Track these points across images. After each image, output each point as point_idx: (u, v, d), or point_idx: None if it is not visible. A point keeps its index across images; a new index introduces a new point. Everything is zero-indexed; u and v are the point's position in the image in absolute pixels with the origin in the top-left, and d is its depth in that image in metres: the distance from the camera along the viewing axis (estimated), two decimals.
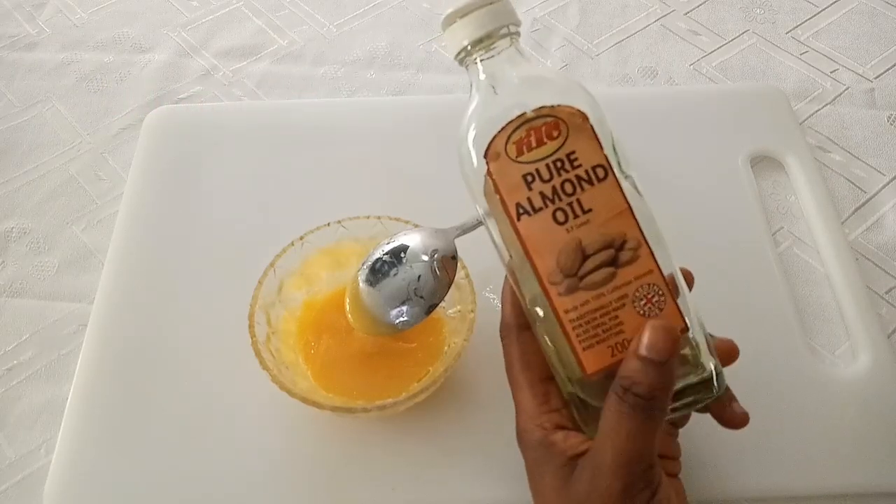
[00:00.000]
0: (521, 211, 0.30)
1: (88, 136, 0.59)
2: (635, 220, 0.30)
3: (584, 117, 0.30)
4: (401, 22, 0.68)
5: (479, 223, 0.42)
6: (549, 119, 0.30)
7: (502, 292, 0.35)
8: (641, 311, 0.30)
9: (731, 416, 0.33)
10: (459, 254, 0.41)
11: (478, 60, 0.32)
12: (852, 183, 0.54)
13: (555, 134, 0.30)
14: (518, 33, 0.32)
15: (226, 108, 0.60)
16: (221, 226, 0.50)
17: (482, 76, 0.32)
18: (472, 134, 0.31)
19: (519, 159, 0.30)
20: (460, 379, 0.43)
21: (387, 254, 0.41)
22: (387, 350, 0.42)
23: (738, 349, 0.34)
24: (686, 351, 0.31)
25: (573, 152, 0.30)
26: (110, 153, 0.57)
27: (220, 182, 0.53)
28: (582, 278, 0.30)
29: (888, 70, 0.62)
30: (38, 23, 0.68)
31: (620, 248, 0.30)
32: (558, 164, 0.30)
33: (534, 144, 0.30)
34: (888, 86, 0.61)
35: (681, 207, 0.50)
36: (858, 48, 0.64)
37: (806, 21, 0.66)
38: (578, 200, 0.30)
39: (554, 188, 0.30)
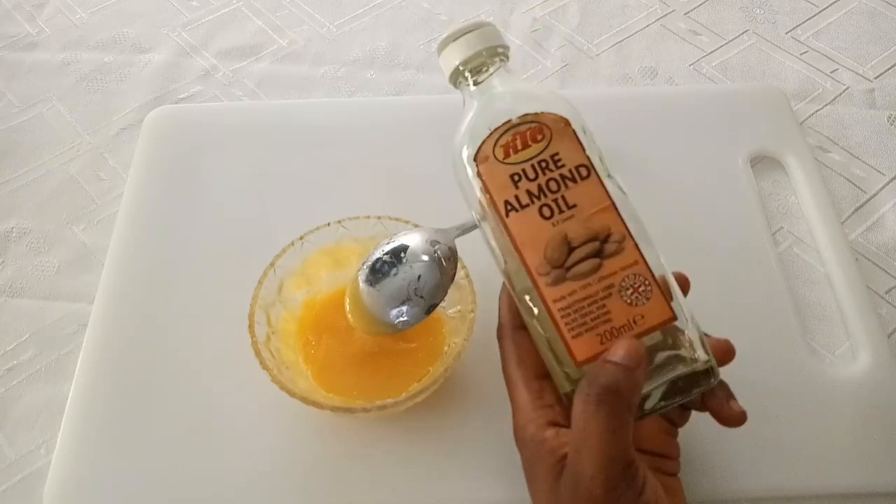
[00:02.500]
0: (509, 207, 0.32)
1: (88, 136, 0.59)
2: (619, 215, 0.32)
3: (567, 122, 0.33)
4: (401, 22, 0.68)
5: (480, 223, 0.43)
6: (533, 124, 0.32)
7: (499, 296, 0.36)
8: (628, 301, 0.31)
9: (728, 413, 0.33)
10: (459, 254, 0.41)
11: (469, 78, 0.35)
12: (852, 183, 0.54)
13: (539, 137, 0.32)
14: (506, 55, 0.36)
15: (226, 108, 0.60)
16: (221, 225, 0.50)
17: (473, 91, 0.35)
18: (465, 145, 0.33)
19: (506, 161, 0.32)
20: (460, 379, 0.43)
21: (387, 254, 0.41)
22: (387, 350, 0.42)
23: (735, 349, 0.34)
24: (677, 341, 0.32)
25: (557, 153, 0.32)
26: (110, 153, 0.57)
27: (219, 182, 0.53)
28: (569, 269, 0.31)
29: (888, 70, 0.62)
30: (38, 23, 0.68)
31: (605, 240, 0.31)
32: (543, 164, 0.32)
33: (519, 147, 0.32)
34: (888, 86, 0.61)
35: (681, 207, 0.50)
36: (858, 48, 0.64)
37: (806, 21, 0.66)
38: (563, 197, 0.32)
39: (540, 186, 0.32)
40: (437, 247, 0.40)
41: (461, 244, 0.41)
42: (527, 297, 0.32)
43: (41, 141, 0.58)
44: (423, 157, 0.53)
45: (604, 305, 0.31)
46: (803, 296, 0.48)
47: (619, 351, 0.30)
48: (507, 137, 0.32)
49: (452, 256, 0.40)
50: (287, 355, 0.41)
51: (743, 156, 0.53)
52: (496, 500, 0.39)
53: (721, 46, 0.64)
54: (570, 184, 0.32)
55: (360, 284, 0.41)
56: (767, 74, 0.62)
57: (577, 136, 0.32)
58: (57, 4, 0.70)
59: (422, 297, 0.40)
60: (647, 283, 0.31)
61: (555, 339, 0.32)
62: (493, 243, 0.34)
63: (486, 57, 0.35)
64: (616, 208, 0.32)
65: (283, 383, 0.38)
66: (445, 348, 0.42)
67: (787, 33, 0.65)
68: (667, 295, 0.31)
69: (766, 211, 0.51)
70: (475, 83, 0.35)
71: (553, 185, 0.32)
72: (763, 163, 0.54)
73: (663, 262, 0.32)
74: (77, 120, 0.60)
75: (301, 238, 0.43)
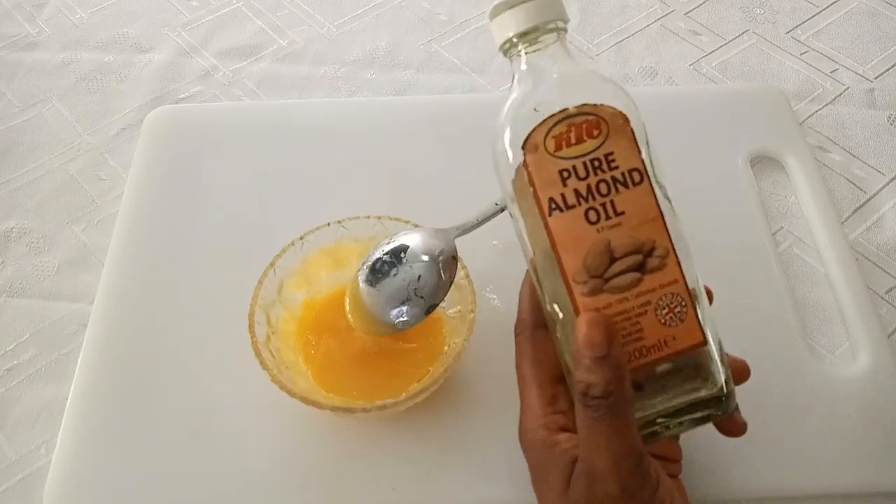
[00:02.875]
0: (553, 206, 0.30)
1: (88, 136, 0.59)
2: (666, 227, 0.30)
3: (626, 119, 0.30)
4: (401, 22, 0.68)
5: (479, 223, 0.43)
6: (590, 117, 0.30)
7: (521, 288, 0.35)
8: (663, 320, 0.30)
9: (730, 424, 0.33)
10: (459, 254, 0.41)
11: (522, 53, 0.32)
12: (852, 183, 0.54)
13: (595, 133, 0.30)
14: (565, 29, 0.32)
15: (226, 108, 0.60)
16: (221, 225, 0.50)
17: (524, 69, 0.32)
18: (508, 126, 0.31)
19: (557, 154, 0.30)
20: (460, 379, 0.43)
21: (387, 254, 0.41)
22: (387, 350, 0.42)
23: (750, 370, 0.34)
24: (701, 364, 0.31)
25: (611, 153, 0.30)
26: (110, 153, 0.57)
27: (219, 182, 0.53)
28: (607, 280, 0.30)
29: (888, 70, 0.62)
30: (38, 23, 0.68)
31: (649, 254, 0.30)
32: (595, 163, 0.30)
33: (573, 141, 0.30)
34: (888, 86, 0.61)
35: (680, 207, 0.50)
36: (858, 48, 0.64)
37: (806, 21, 0.66)
38: (612, 202, 0.30)
39: (589, 187, 0.30)
40: (440, 248, 0.40)
41: (461, 244, 0.41)
42: (556, 305, 0.31)
43: (41, 141, 0.58)
44: (423, 157, 0.54)
45: (637, 322, 0.30)
46: (803, 296, 0.48)
47: (581, 340, 0.29)
48: (562, 128, 0.30)
49: (452, 257, 0.40)
50: (287, 355, 0.41)
51: (743, 156, 0.53)
52: (496, 500, 0.39)
53: (721, 46, 0.64)
54: (620, 188, 0.30)
55: (360, 284, 0.41)
56: (767, 74, 0.62)
57: (634, 137, 0.30)
58: (57, 4, 0.70)
59: (422, 297, 0.40)
60: (683, 303, 0.30)
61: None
62: (523, 232, 0.32)
63: (543, 31, 0.31)
64: (664, 220, 0.30)
65: (283, 383, 0.38)
66: (445, 348, 0.42)
67: (787, 33, 0.65)
68: (699, 317, 0.30)
69: (766, 211, 0.51)
70: (527, 59, 0.32)
71: (603, 188, 0.30)
72: (763, 163, 0.54)
73: (698, 277, 0.31)
74: (77, 120, 0.60)
75: (301, 238, 0.43)
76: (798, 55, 0.63)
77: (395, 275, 0.40)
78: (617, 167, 0.30)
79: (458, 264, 0.41)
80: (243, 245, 0.49)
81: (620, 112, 0.30)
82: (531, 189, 0.30)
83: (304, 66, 0.64)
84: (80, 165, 0.57)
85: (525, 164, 0.30)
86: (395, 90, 0.62)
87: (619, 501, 0.29)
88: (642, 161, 0.30)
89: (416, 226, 0.43)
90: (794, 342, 0.45)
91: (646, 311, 0.30)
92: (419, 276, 0.40)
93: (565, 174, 0.30)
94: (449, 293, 0.40)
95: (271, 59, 0.64)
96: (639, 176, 0.30)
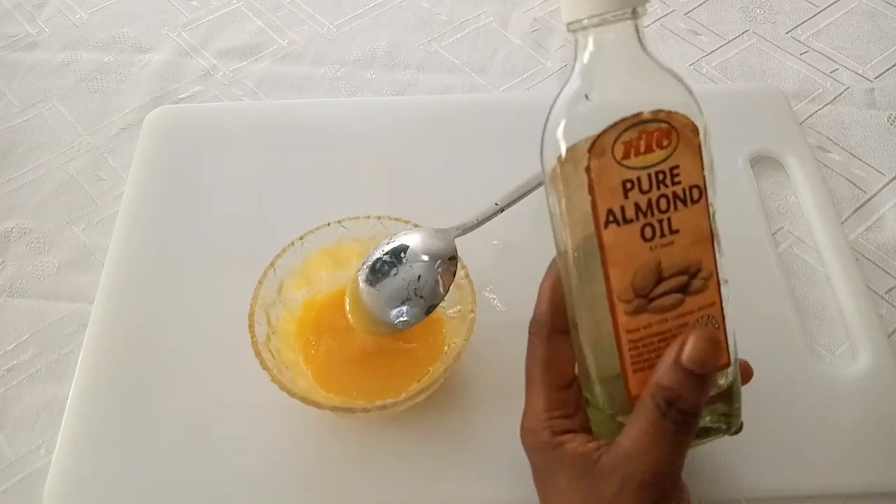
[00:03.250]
0: (610, 219, 0.28)
1: (88, 136, 0.59)
2: (714, 249, 0.29)
3: (696, 131, 0.28)
4: (401, 22, 0.67)
5: (479, 223, 0.43)
6: (663, 125, 0.27)
7: (542, 283, 0.33)
8: None
9: None
10: (459, 254, 0.41)
11: (591, 37, 0.28)
12: (852, 183, 0.54)
13: (665, 143, 0.28)
14: (645, 14, 0.29)
15: (226, 108, 0.60)
16: (221, 225, 0.50)
17: (591, 56, 0.29)
18: (563, 117, 0.28)
19: (624, 162, 0.27)
20: (460, 379, 0.43)
21: (387, 254, 0.41)
22: (387, 350, 0.42)
23: (752, 371, 0.34)
24: (723, 384, 0.30)
25: (677, 167, 0.28)
26: (110, 153, 0.57)
27: (220, 182, 0.53)
28: (651, 300, 0.29)
29: (888, 70, 0.62)
30: (38, 23, 0.68)
31: (694, 275, 0.29)
32: (661, 176, 0.28)
33: (642, 149, 0.27)
34: (888, 86, 0.61)
35: None
36: (858, 48, 0.64)
37: (806, 21, 0.66)
38: (669, 219, 0.28)
39: (650, 201, 0.28)
40: (439, 250, 0.40)
41: (461, 244, 0.41)
42: (584, 310, 0.30)
43: (41, 141, 0.58)
44: (423, 157, 0.54)
45: (671, 342, 0.29)
46: (803, 296, 0.48)
47: (693, 354, 0.28)
48: (633, 134, 0.27)
49: (452, 256, 0.40)
50: (287, 355, 0.41)
51: (743, 156, 0.53)
52: (496, 500, 0.39)
53: (721, 46, 0.64)
54: (679, 206, 0.28)
55: (360, 284, 0.41)
56: (767, 74, 0.62)
57: (700, 151, 0.28)
58: (57, 4, 0.70)
59: (422, 297, 0.40)
60: (716, 326, 0.29)
61: (606, 360, 0.30)
62: (563, 228, 0.29)
63: (618, 18, 0.28)
64: (713, 241, 0.29)
65: (283, 383, 0.38)
66: (445, 348, 0.42)
67: (787, 33, 0.65)
68: (728, 338, 0.30)
69: (766, 211, 0.51)
70: (596, 45, 0.28)
71: (663, 204, 0.28)
72: (763, 163, 0.54)
73: (727, 292, 0.30)
74: (77, 120, 0.60)
75: (301, 238, 0.43)
76: (798, 55, 0.63)
77: (395, 275, 0.40)
78: (679, 182, 0.28)
79: (458, 264, 0.41)
80: (243, 245, 0.49)
81: (692, 122, 0.28)
82: (589, 197, 0.28)
83: (304, 66, 0.64)
84: (80, 165, 0.57)
85: (588, 168, 0.27)
86: (395, 90, 0.62)
87: None
88: (704, 177, 0.28)
89: (416, 226, 0.43)
90: (794, 342, 0.45)
91: (681, 333, 0.29)
92: (419, 276, 0.40)
93: (628, 185, 0.28)
94: (449, 293, 0.40)
95: (271, 59, 0.64)
96: (698, 193, 0.28)
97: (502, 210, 0.43)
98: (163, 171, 0.53)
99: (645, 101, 0.27)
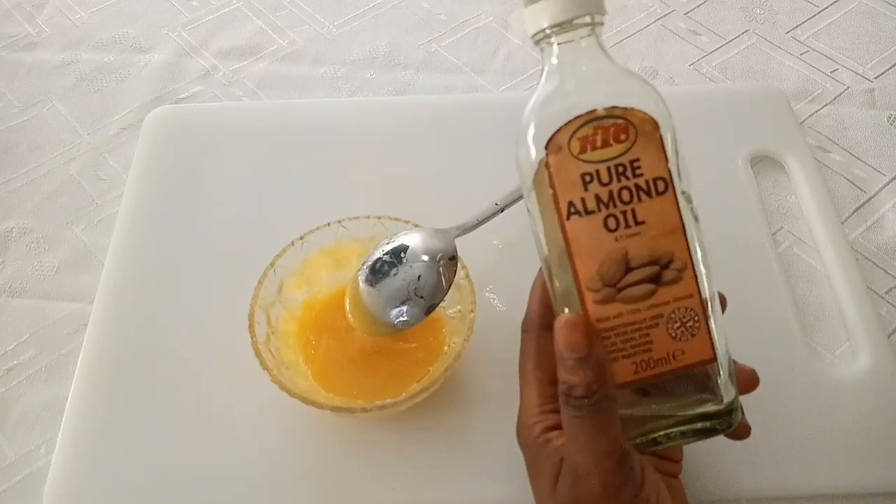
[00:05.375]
0: (572, 210, 0.29)
1: (88, 136, 0.59)
2: (686, 240, 0.29)
3: (656, 125, 0.29)
4: (401, 22, 0.67)
5: (479, 223, 0.43)
6: (619, 121, 0.29)
7: (533, 284, 0.35)
8: (673, 334, 0.29)
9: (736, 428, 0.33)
10: (459, 254, 0.41)
11: (554, 45, 0.30)
12: (852, 183, 0.54)
13: (622, 137, 0.29)
14: (602, 23, 0.31)
15: (226, 108, 0.60)
16: (221, 226, 0.50)
17: (555, 62, 0.31)
18: (533, 121, 0.30)
19: (580, 156, 0.29)
20: (460, 379, 0.43)
21: (387, 254, 0.41)
22: (387, 350, 0.42)
23: (759, 380, 0.34)
24: (709, 377, 0.30)
25: (637, 160, 0.29)
26: (110, 153, 0.57)
27: (219, 182, 0.53)
28: (620, 290, 0.29)
29: (888, 70, 0.62)
30: (38, 23, 0.68)
31: (666, 266, 0.29)
32: (620, 168, 0.29)
33: (599, 144, 0.29)
34: (888, 86, 0.61)
35: None
36: (858, 48, 0.64)
37: (806, 21, 0.66)
38: (633, 210, 0.29)
39: (611, 193, 0.29)
40: (440, 249, 0.40)
41: (461, 244, 0.42)
42: (566, 308, 0.30)
43: (41, 141, 0.58)
44: (423, 157, 0.54)
45: (647, 334, 0.29)
46: (803, 296, 0.48)
47: (558, 339, 0.29)
48: (588, 130, 0.28)
49: (452, 257, 0.40)
50: (287, 355, 0.41)
51: (743, 156, 0.53)
52: (496, 500, 0.39)
53: (721, 46, 0.64)
54: (643, 197, 0.29)
55: (360, 284, 0.41)
56: (767, 74, 0.62)
57: (662, 144, 0.29)
58: (57, 4, 0.70)
59: (422, 297, 0.40)
60: (696, 318, 0.29)
61: None
62: (539, 230, 0.31)
63: (578, 25, 0.30)
64: (685, 233, 0.29)
65: (283, 383, 0.38)
66: (445, 348, 0.42)
67: (787, 33, 0.65)
68: (711, 332, 0.30)
69: (766, 211, 0.51)
70: (559, 52, 0.30)
71: (625, 196, 0.29)
72: (763, 163, 0.54)
73: (714, 286, 0.30)
74: (77, 120, 0.60)
75: (301, 238, 0.43)
76: (798, 55, 0.63)
77: (395, 275, 0.40)
78: (641, 175, 0.29)
79: (458, 264, 0.41)
80: (243, 245, 0.49)
81: (651, 117, 0.29)
82: (551, 190, 0.29)
83: (304, 66, 0.64)
84: (80, 165, 0.57)
85: (546, 163, 0.29)
86: (395, 90, 0.62)
87: (602, 499, 0.29)
88: (668, 170, 0.29)
89: (416, 226, 0.43)
90: (794, 342, 0.45)
91: (657, 324, 0.29)
92: (419, 276, 0.40)
93: (587, 178, 0.29)
94: (449, 293, 0.40)
95: (271, 59, 0.64)
96: (663, 185, 0.29)
97: (502, 210, 0.43)
98: (163, 171, 0.53)
99: (606, 100, 0.29)
